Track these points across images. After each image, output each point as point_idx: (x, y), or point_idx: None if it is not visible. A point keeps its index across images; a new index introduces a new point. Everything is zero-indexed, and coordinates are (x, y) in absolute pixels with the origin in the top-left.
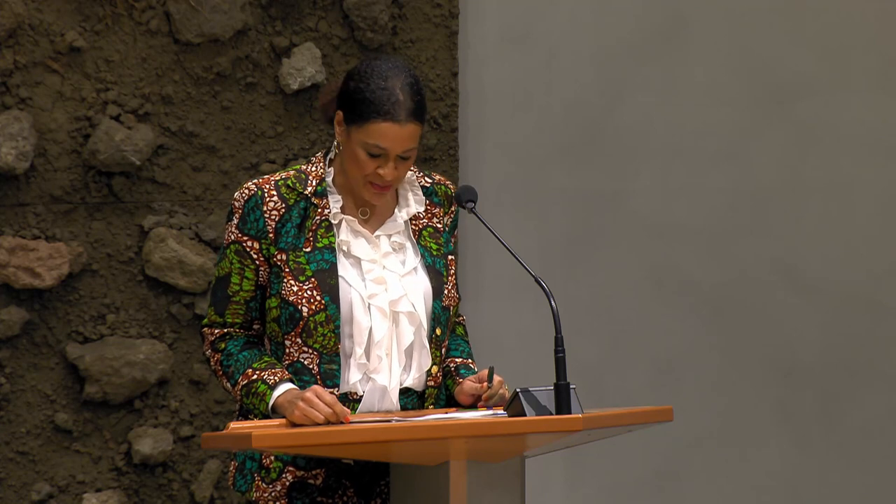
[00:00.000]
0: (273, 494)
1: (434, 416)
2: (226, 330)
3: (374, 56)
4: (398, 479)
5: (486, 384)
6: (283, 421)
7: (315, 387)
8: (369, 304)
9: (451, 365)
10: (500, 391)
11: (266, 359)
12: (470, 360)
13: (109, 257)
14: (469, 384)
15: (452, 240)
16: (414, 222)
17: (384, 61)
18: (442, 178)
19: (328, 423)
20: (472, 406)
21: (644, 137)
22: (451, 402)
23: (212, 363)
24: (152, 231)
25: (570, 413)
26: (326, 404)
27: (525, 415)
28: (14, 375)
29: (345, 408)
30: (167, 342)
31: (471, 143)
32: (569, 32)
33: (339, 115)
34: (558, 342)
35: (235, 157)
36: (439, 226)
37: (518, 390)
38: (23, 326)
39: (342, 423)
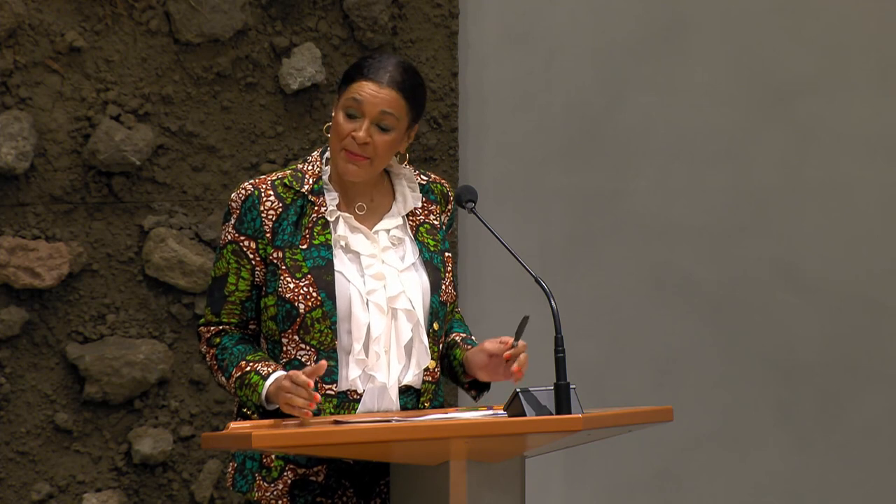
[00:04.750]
0: (275, 493)
1: (434, 416)
2: (221, 327)
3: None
4: (398, 479)
5: (511, 341)
6: (280, 421)
7: (291, 371)
8: (368, 300)
9: (457, 338)
10: (523, 354)
11: (260, 353)
12: (472, 337)
13: (109, 257)
14: (490, 343)
15: (448, 238)
16: (411, 218)
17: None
18: (437, 177)
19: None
20: (473, 405)
21: (644, 137)
22: (452, 375)
23: (207, 359)
24: (152, 231)
25: (570, 413)
26: (299, 385)
27: (525, 415)
28: (14, 375)
29: (311, 390)
30: (167, 342)
31: (471, 143)
32: (569, 32)
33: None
34: (558, 342)
35: (235, 157)
36: (436, 223)
37: (518, 390)
38: (23, 326)
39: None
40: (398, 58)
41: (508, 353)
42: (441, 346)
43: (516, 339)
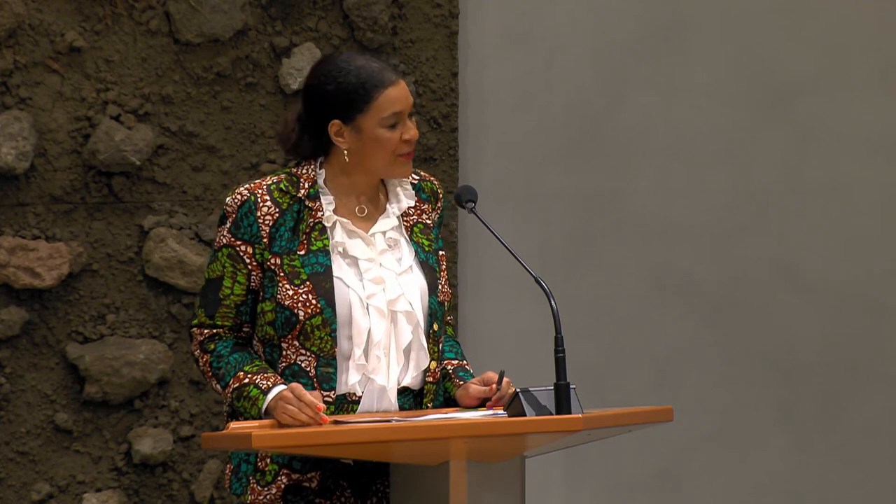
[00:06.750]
0: (268, 497)
1: (434, 416)
2: (215, 331)
3: (319, 60)
4: (398, 479)
5: (494, 387)
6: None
7: (293, 385)
8: (368, 304)
9: (449, 367)
10: (510, 391)
11: (257, 362)
12: (465, 362)
13: (109, 257)
14: (475, 388)
15: (440, 236)
16: (405, 218)
17: (333, 56)
18: (426, 175)
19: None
20: (474, 406)
21: (644, 137)
22: (450, 404)
23: (200, 364)
24: (152, 231)
25: (570, 413)
26: (305, 403)
27: (525, 415)
28: (14, 375)
29: (320, 413)
30: (167, 342)
31: (471, 143)
32: (569, 32)
33: (335, 123)
34: (558, 342)
35: (235, 157)
36: (428, 221)
37: (518, 390)
38: (23, 326)
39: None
40: (356, 53)
41: (496, 397)
42: (440, 345)
43: (499, 384)
